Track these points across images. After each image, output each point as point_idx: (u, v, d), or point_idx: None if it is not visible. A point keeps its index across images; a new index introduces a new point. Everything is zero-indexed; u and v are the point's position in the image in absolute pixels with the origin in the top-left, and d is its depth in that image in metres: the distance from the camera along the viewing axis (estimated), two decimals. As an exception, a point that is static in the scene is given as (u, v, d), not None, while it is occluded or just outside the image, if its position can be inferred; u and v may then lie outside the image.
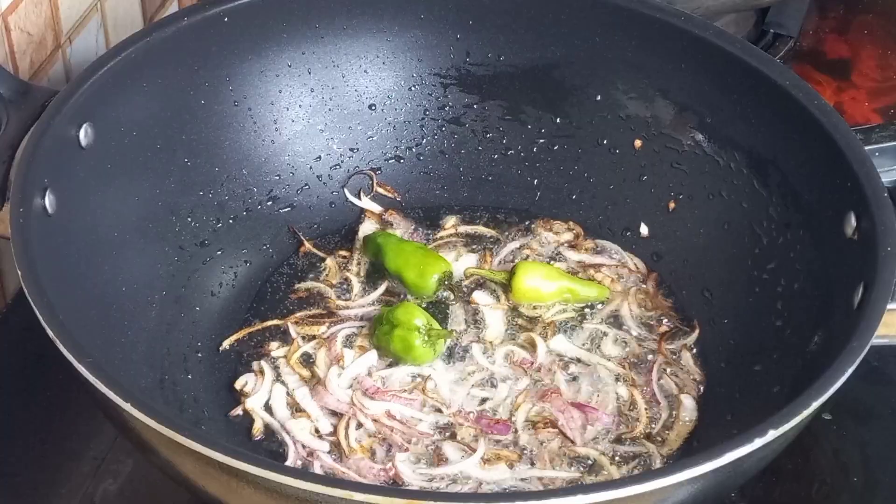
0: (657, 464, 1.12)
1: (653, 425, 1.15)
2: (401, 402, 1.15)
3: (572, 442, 1.13)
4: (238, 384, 1.18)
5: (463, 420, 1.14)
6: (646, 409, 1.16)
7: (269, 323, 1.23)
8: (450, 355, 1.20)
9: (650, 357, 1.21)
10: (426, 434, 1.13)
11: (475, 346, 1.21)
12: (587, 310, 1.25)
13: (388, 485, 1.09)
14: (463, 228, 1.32)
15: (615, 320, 1.24)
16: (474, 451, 1.11)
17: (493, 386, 1.18)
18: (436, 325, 1.19)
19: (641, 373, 1.19)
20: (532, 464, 1.12)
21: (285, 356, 1.20)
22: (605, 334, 1.23)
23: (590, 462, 1.12)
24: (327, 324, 1.23)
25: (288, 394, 1.17)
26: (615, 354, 1.21)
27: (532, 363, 1.19)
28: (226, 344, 1.21)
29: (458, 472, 1.10)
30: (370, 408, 1.14)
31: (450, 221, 1.33)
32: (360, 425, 1.14)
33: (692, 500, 0.93)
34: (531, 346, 1.21)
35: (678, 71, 1.27)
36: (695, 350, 1.21)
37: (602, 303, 1.25)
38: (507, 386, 1.18)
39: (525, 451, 1.13)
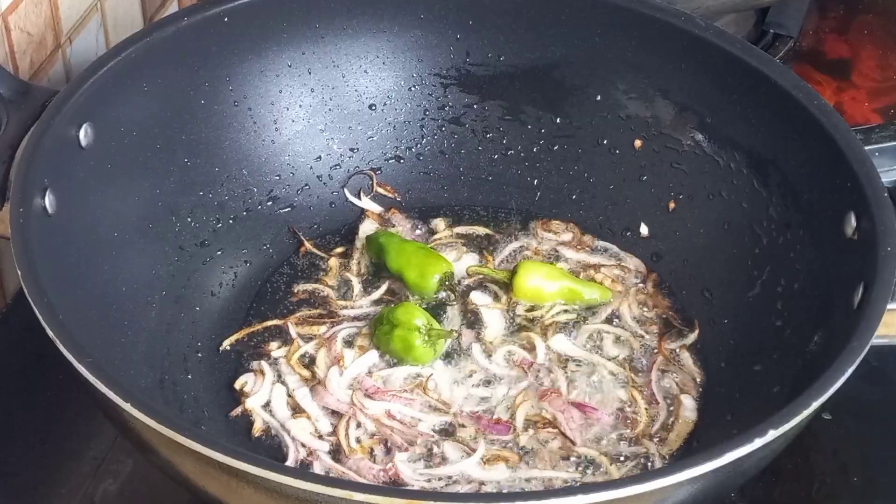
0: (657, 464, 1.12)
1: (653, 425, 1.15)
2: (401, 402, 1.15)
3: (572, 442, 1.13)
4: (238, 384, 1.18)
5: (463, 420, 1.14)
6: (646, 409, 1.16)
7: (269, 323, 1.23)
8: (450, 355, 1.20)
9: (650, 357, 1.21)
10: (426, 434, 1.13)
11: (475, 346, 1.21)
12: (587, 310, 1.25)
13: (388, 485, 1.09)
14: (458, 229, 1.32)
15: (615, 320, 1.24)
16: (474, 451, 1.11)
17: (493, 386, 1.18)
18: (436, 325, 1.19)
19: (641, 373, 1.19)
20: (532, 464, 1.12)
21: (285, 356, 1.20)
22: (605, 334, 1.23)
23: (590, 462, 1.12)
24: (327, 324, 1.23)
25: (288, 394, 1.17)
26: (615, 354, 1.21)
27: (532, 363, 1.19)
28: (226, 344, 1.21)
29: (458, 472, 1.10)
30: (370, 408, 1.14)
31: (440, 225, 1.33)
32: (360, 425, 1.14)
33: (692, 500, 0.93)
34: (531, 346, 1.21)
35: (678, 71, 1.27)
36: (695, 350, 1.21)
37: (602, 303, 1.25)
38: (507, 386, 1.18)
39: (525, 451, 1.13)
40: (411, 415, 1.15)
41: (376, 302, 1.25)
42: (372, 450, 1.12)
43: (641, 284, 1.27)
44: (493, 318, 1.24)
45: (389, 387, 1.17)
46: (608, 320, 1.24)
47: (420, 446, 1.12)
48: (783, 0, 1.62)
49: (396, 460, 1.10)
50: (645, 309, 1.25)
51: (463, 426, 1.14)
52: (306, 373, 1.18)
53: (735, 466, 0.91)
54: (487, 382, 1.18)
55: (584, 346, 1.22)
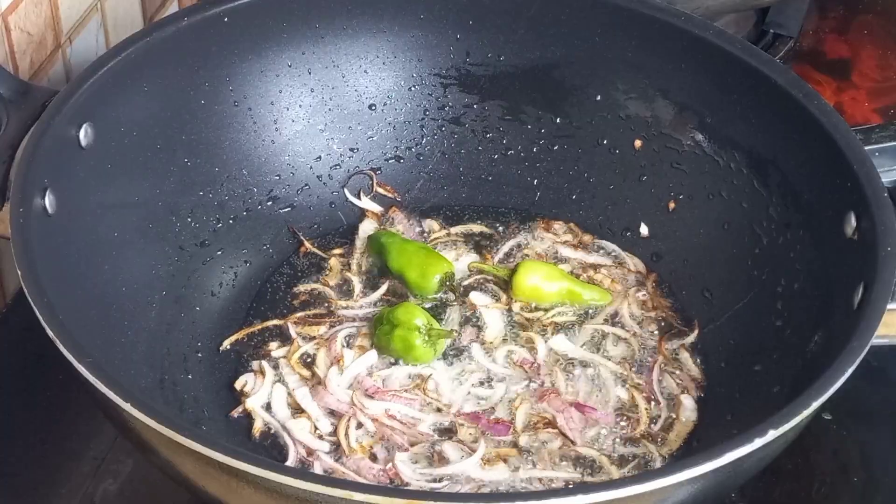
0: (657, 464, 1.12)
1: (653, 425, 1.15)
2: (401, 402, 1.15)
3: (572, 442, 1.13)
4: (238, 384, 1.18)
5: (463, 420, 1.14)
6: (646, 409, 1.16)
7: (269, 323, 1.23)
8: (450, 355, 1.20)
9: (650, 357, 1.21)
10: (426, 434, 1.13)
11: (475, 346, 1.21)
12: (587, 310, 1.25)
13: (388, 485, 1.09)
14: (456, 228, 1.32)
15: (615, 320, 1.24)
16: (474, 451, 1.11)
17: (493, 386, 1.18)
18: (436, 325, 1.19)
19: (641, 373, 1.19)
20: (532, 464, 1.12)
21: (285, 356, 1.20)
22: (605, 334, 1.23)
23: (590, 462, 1.12)
24: (327, 324, 1.23)
25: (288, 394, 1.17)
26: (615, 354, 1.21)
27: (532, 363, 1.19)
28: (226, 344, 1.21)
29: (458, 472, 1.10)
30: (370, 408, 1.14)
31: (434, 226, 1.32)
32: (360, 425, 1.14)
33: (692, 500, 0.93)
34: (531, 346, 1.21)
35: (678, 71, 1.27)
36: (695, 350, 1.21)
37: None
38: (507, 386, 1.18)
39: (525, 451, 1.13)
40: (411, 415, 1.15)
41: (376, 302, 1.25)
42: (372, 450, 1.12)
43: (641, 284, 1.27)
44: (493, 318, 1.24)
45: (389, 387, 1.17)
46: (608, 320, 1.24)
47: (420, 446, 1.12)
48: (783, 0, 1.62)
49: (396, 460, 1.10)
50: (645, 309, 1.25)
51: (463, 426, 1.14)
52: (306, 373, 1.18)
53: (735, 466, 0.91)
54: (487, 382, 1.18)
55: (584, 346, 1.22)
